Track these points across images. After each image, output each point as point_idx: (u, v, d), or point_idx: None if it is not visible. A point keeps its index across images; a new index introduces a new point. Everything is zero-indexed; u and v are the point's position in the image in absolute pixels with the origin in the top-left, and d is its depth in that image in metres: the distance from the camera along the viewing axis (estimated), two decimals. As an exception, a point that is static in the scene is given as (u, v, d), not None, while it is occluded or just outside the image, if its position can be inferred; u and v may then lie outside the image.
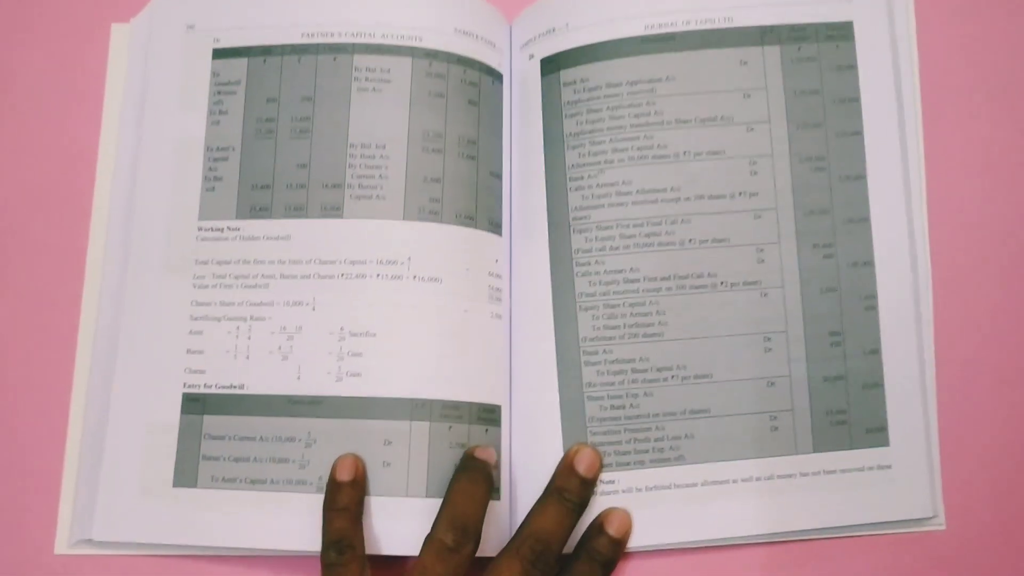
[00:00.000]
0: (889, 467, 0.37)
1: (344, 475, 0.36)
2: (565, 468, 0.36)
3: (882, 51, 0.39)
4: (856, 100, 0.39)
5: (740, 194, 0.38)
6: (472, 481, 0.35)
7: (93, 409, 0.39)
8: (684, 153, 0.39)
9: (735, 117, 0.39)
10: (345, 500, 0.35)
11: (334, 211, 0.39)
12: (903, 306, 0.38)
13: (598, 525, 0.36)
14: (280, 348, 0.38)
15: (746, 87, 0.39)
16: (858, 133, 0.39)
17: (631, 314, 0.38)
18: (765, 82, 0.39)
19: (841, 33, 0.39)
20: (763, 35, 0.40)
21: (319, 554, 0.34)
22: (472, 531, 0.34)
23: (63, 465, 0.39)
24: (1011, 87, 0.41)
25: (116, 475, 0.37)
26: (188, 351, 0.38)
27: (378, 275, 0.38)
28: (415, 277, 0.38)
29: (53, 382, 0.40)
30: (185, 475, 0.37)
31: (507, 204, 0.41)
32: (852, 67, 0.39)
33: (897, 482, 0.37)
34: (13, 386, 0.40)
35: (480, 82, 0.41)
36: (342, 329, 0.38)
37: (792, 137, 0.39)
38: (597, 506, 0.37)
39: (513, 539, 0.35)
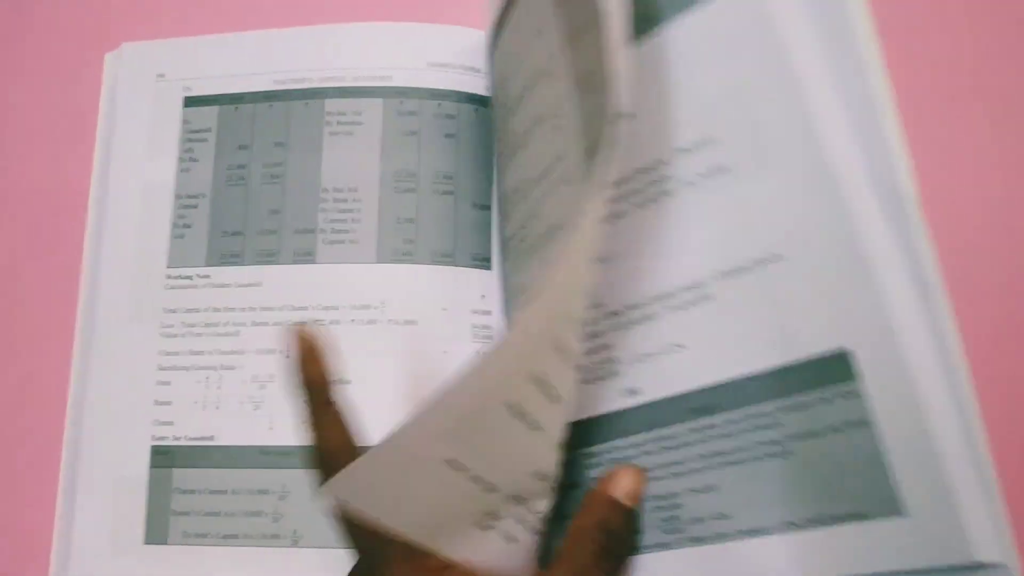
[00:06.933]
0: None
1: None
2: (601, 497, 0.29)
3: None
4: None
5: None
6: None
7: (64, 468, 0.38)
8: None
9: None
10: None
11: (306, 256, 0.38)
12: None
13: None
14: (252, 398, 0.37)
15: None
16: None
17: None
18: None
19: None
20: None
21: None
22: None
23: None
24: None
25: (88, 535, 0.36)
26: (156, 402, 0.37)
27: (352, 320, 0.37)
28: (390, 321, 0.37)
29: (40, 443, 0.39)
30: (156, 531, 0.36)
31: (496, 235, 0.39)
32: None
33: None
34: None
35: (458, 113, 0.40)
36: (316, 376, 0.37)
37: None
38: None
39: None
